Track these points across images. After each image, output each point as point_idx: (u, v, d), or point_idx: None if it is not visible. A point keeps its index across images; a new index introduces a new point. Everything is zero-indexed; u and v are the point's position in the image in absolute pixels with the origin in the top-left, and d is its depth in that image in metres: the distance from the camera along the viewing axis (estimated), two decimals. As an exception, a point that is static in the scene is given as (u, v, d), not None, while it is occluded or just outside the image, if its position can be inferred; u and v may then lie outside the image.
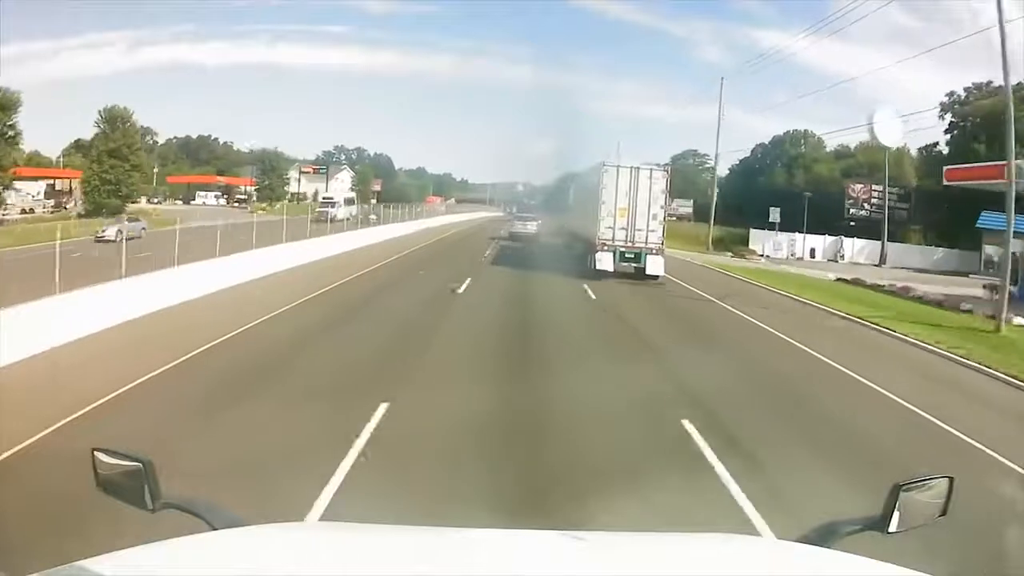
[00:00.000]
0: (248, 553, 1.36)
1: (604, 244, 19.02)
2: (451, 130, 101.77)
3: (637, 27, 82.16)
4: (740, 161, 59.96)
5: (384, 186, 63.60)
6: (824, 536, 1.54)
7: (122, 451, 1.56)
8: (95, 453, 1.57)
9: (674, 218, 59.58)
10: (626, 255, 19.07)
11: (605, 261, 18.95)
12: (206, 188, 55.63)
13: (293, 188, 59.98)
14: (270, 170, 57.28)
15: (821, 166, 50.56)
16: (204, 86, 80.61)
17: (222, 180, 57.47)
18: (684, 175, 64.96)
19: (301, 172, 61.83)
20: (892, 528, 1.50)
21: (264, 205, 47.38)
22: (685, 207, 57.34)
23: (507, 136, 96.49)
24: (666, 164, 26.58)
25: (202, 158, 63.53)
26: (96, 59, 71.74)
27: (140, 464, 1.52)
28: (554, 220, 34.30)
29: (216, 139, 66.39)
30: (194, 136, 65.60)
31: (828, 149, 53.78)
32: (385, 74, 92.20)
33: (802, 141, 56.08)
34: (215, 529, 1.49)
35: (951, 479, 1.59)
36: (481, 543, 1.51)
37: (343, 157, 72.74)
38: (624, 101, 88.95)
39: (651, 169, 19.47)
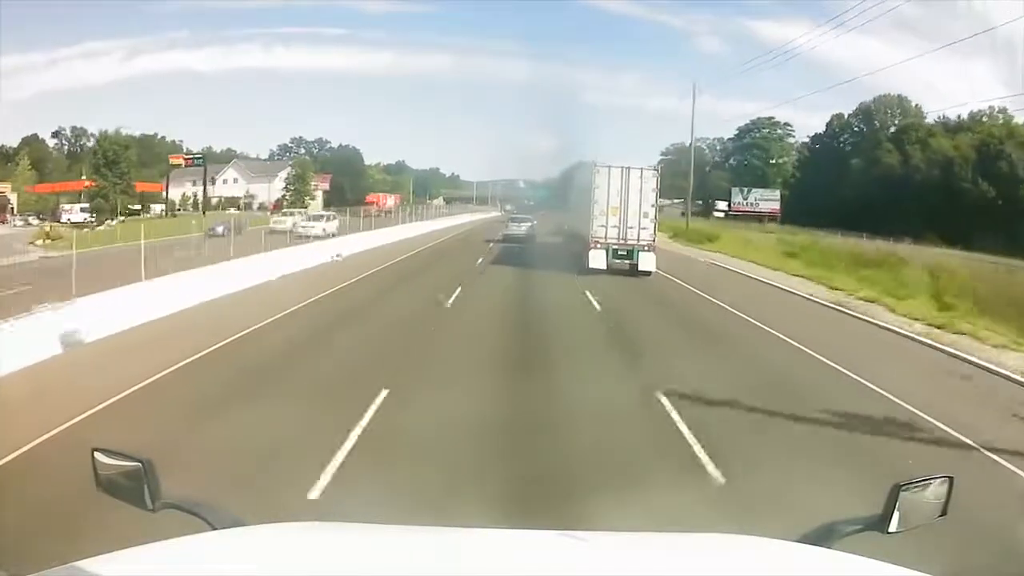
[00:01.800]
0: (248, 553, 1.58)
1: (597, 242, 23.33)
2: (439, 121, 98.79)
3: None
4: (811, 137, 53.32)
5: (350, 184, 61.12)
6: (824, 536, 1.82)
7: (122, 451, 1.79)
8: (95, 453, 1.79)
9: (720, 214, 46.46)
10: (619, 252, 23.46)
11: (598, 259, 23.14)
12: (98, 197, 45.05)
13: (219, 192, 54.28)
14: (104, 166, 44.83)
15: (942, 142, 43.06)
16: (153, 88, 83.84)
17: (91, 186, 46.77)
18: (764, 152, 53.05)
19: (171, 167, 52.91)
20: (892, 528, 1.77)
21: (49, 226, 33.72)
22: (768, 200, 48.26)
23: (508, 129, 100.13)
24: (658, 162, 30.54)
25: (136, 162, 59.54)
26: (35, 59, 74.96)
27: (140, 464, 1.75)
28: (555, 219, 38.94)
29: (163, 138, 62.55)
30: (136, 135, 58.83)
31: (927, 120, 45.74)
32: (366, 64, 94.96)
33: (897, 110, 49.33)
34: (215, 529, 1.72)
35: (951, 479, 1.86)
36: (481, 543, 1.76)
37: (303, 151, 70.06)
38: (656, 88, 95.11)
39: (641, 169, 23.95)
